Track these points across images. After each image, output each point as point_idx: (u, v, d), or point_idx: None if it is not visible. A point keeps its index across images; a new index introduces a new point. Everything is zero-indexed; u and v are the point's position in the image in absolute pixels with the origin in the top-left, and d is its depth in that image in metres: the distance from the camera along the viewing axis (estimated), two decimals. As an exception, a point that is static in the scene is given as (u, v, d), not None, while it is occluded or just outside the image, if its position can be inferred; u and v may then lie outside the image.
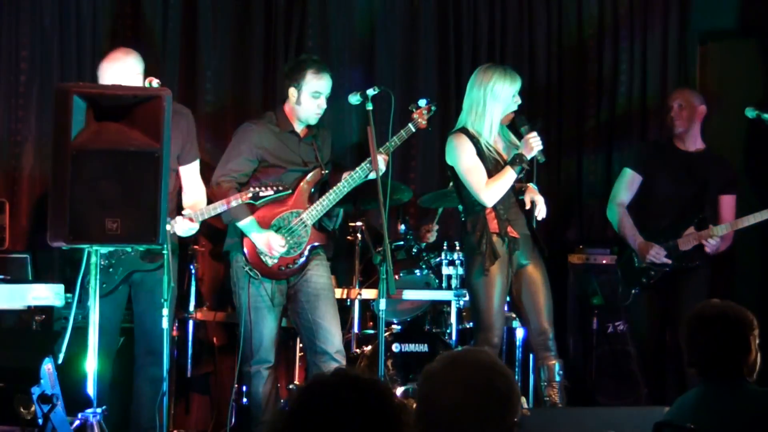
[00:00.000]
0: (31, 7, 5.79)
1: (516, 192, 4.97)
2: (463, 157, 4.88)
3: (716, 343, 3.18)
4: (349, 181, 4.90)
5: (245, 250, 4.88)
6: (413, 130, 4.98)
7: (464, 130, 4.91)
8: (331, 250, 5.14)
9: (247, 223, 4.85)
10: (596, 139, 6.43)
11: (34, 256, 5.38)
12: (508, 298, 5.04)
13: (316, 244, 4.98)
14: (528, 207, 4.91)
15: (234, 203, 4.72)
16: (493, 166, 4.88)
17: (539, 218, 4.91)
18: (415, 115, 4.99)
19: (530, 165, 4.92)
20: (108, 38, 5.88)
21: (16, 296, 4.53)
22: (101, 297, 4.35)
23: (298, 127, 4.98)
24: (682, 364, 5.14)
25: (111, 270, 4.71)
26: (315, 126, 5.02)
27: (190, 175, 4.94)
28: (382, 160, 4.82)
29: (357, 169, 4.88)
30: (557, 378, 4.95)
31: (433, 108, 5.04)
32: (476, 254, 4.88)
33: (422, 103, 5.02)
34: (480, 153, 4.87)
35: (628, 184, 5.60)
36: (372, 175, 4.82)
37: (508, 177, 4.84)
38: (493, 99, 4.86)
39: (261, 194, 4.73)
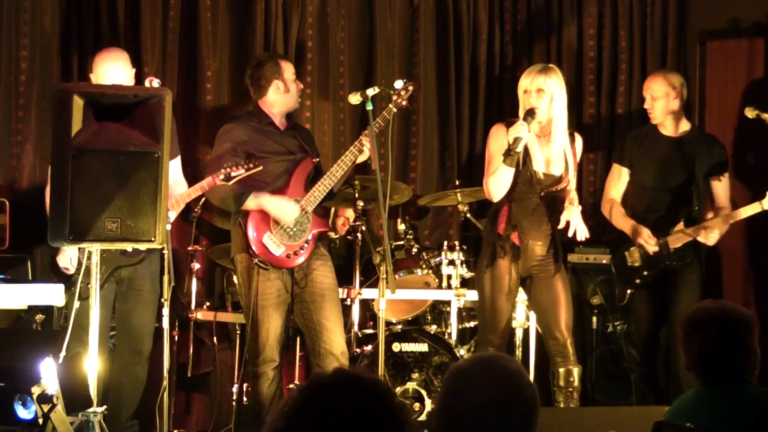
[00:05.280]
0: (31, 7, 5.79)
1: (548, 203, 4.91)
2: None
3: (711, 346, 3.15)
4: (340, 165, 4.97)
5: (251, 242, 4.89)
6: (395, 110, 4.98)
7: None
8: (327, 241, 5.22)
9: (253, 197, 4.88)
10: (595, 139, 6.43)
11: (34, 256, 5.38)
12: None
13: (321, 230, 5.05)
14: (562, 226, 4.83)
15: (206, 186, 4.82)
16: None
17: (580, 239, 4.81)
18: (393, 97, 5.00)
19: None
20: (108, 38, 5.88)
21: (16, 296, 4.53)
22: (83, 299, 4.36)
23: (277, 121, 5.09)
24: (678, 364, 5.14)
25: None
26: (291, 119, 5.18)
27: (173, 172, 4.93)
28: (366, 143, 4.92)
29: (347, 152, 4.97)
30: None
31: (410, 88, 5.03)
32: (484, 249, 4.93)
33: (398, 84, 5.02)
34: None
35: (616, 179, 5.59)
36: (362, 158, 4.96)
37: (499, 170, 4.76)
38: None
39: (233, 174, 4.81)
